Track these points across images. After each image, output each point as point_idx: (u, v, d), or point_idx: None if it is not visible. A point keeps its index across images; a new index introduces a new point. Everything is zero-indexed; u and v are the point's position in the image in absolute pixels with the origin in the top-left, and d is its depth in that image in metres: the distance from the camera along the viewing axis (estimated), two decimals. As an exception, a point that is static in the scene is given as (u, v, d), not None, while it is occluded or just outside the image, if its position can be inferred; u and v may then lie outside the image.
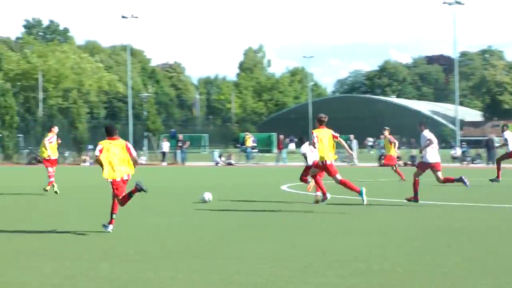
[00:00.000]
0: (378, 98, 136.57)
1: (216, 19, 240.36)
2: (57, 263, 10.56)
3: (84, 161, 56.31)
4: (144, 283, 9.19)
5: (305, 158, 19.50)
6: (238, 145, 68.19)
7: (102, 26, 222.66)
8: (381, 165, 30.81)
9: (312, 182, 20.50)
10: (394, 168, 30.01)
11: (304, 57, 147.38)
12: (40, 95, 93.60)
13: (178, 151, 57.30)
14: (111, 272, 9.84)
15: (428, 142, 19.09)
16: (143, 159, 57.74)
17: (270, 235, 13.56)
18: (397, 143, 31.00)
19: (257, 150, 60.82)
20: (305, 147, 19.82)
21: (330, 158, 17.75)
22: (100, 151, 14.02)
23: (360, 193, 17.46)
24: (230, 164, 53.86)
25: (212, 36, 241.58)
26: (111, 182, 14.00)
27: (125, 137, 76.77)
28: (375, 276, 9.55)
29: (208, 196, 20.34)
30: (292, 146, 67.28)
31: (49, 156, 24.11)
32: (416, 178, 19.20)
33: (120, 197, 14.06)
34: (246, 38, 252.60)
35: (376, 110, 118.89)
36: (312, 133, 18.01)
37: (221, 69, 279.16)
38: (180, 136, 59.53)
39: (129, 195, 14.05)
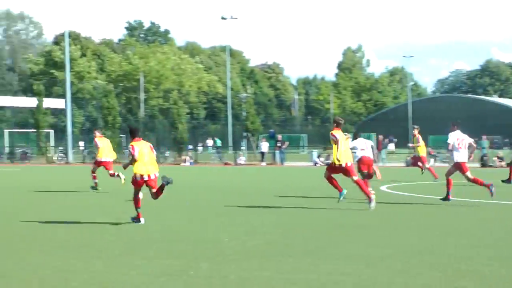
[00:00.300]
0: (480, 98, 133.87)
1: (315, 19, 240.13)
2: (160, 261, 10.73)
3: (184, 161, 57.01)
4: (243, 282, 9.25)
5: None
6: (337, 146, 67.76)
7: (202, 27, 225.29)
8: (482, 166, 30.60)
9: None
10: (424, 167, 29.93)
11: (403, 56, 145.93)
12: (142, 96, 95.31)
13: (277, 151, 57.40)
14: (211, 271, 9.95)
15: (449, 145, 19.61)
16: (242, 159, 58.12)
17: (364, 235, 13.48)
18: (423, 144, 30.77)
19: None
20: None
21: (345, 160, 18.26)
22: (135, 156, 15.43)
23: (370, 200, 17.92)
24: (328, 164, 53.57)
25: (311, 36, 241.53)
26: (144, 177, 15.37)
27: (224, 137, 77.64)
28: (479, 278, 9.39)
29: None
30: (391, 146, 66.59)
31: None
32: (449, 178, 19.68)
33: (155, 191, 15.51)
34: (345, 38, 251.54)
35: (478, 110, 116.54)
36: (332, 134, 18.36)
37: (319, 69, 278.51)
38: (279, 136, 59.67)
39: (161, 189, 15.45)
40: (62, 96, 77.03)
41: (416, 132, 30.36)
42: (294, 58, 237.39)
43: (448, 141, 19.60)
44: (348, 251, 11.61)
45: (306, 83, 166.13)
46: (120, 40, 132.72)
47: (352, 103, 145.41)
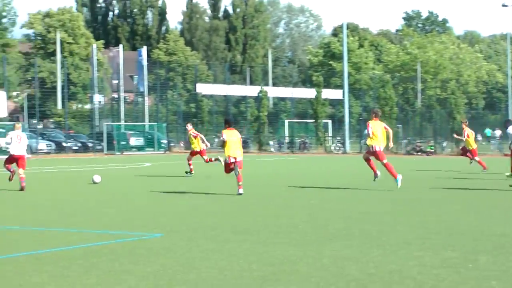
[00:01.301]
0: None
1: None
2: (437, 253, 10.64)
3: (462, 152, 55.82)
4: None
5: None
6: None
7: (481, 15, 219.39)
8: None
9: None
10: (470, 161, 31.98)
11: None
12: (419, 86, 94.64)
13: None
14: (490, 265, 9.73)
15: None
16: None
17: None
18: (473, 134, 31.87)
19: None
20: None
21: (379, 145, 21.23)
22: (225, 140, 20.11)
23: (396, 179, 20.95)
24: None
25: None
26: (231, 160, 20.12)
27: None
28: None
29: (97, 178, 24.70)
30: None
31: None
32: None
33: (227, 171, 20.73)
34: None
35: None
36: (368, 124, 21.33)
37: None
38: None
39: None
40: (340, 87, 78.25)
41: (464, 126, 31.75)
42: None
43: (509, 131, 23.51)
44: None
45: None
46: (397, 30, 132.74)
47: None
